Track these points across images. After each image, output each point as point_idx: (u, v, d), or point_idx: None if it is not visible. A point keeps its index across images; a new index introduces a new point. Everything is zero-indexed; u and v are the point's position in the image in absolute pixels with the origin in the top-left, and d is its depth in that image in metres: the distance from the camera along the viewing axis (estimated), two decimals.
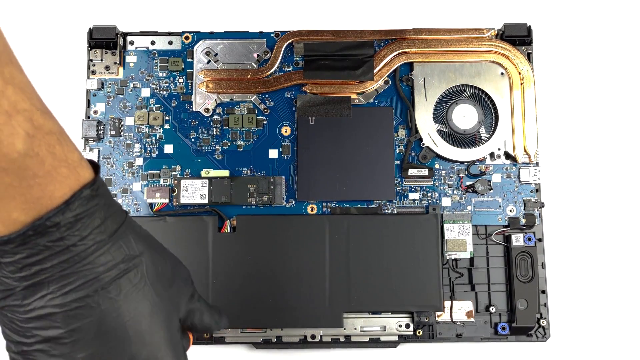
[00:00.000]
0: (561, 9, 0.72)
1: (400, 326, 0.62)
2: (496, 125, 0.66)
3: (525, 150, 0.65)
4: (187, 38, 0.67)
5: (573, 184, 0.68)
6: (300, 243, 0.62)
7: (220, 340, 0.62)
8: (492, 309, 0.63)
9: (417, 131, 0.65)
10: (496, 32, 0.67)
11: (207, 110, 0.66)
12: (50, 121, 0.33)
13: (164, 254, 0.40)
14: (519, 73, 0.66)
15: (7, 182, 0.31)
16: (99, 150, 0.66)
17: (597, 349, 0.64)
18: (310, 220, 0.63)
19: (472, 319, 0.63)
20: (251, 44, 0.67)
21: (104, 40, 0.66)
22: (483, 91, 0.66)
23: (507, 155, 0.65)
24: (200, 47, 0.67)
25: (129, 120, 0.66)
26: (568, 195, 0.67)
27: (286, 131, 0.66)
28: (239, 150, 0.66)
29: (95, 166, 0.36)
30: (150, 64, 0.67)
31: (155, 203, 0.64)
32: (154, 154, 0.66)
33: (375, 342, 0.62)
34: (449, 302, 0.63)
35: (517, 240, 0.63)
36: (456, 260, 0.64)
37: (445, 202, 0.65)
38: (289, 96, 0.67)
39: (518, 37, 0.66)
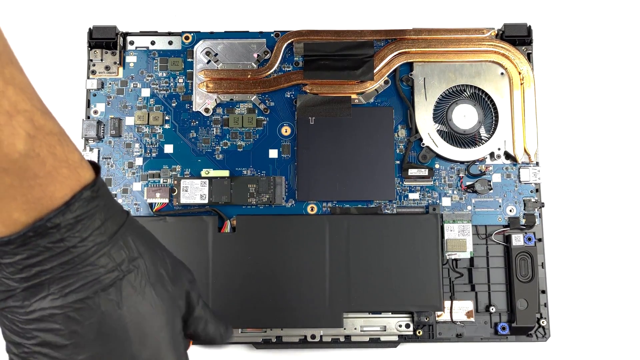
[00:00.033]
0: (561, 9, 0.72)
1: (400, 326, 0.62)
2: (496, 125, 0.66)
3: (525, 150, 0.65)
4: (187, 38, 0.67)
5: (573, 184, 0.68)
6: (300, 243, 0.62)
7: None
8: (492, 309, 0.63)
9: (417, 131, 0.65)
10: (496, 32, 0.67)
11: (207, 110, 0.66)
12: (50, 122, 0.33)
13: (165, 255, 0.40)
14: (519, 73, 0.66)
15: (7, 183, 0.31)
16: (99, 150, 0.66)
17: (597, 349, 0.64)
18: (310, 220, 0.63)
19: (472, 319, 0.63)
20: (251, 44, 0.67)
21: (104, 40, 0.66)
22: (483, 91, 0.66)
23: (507, 155, 0.65)
24: (200, 47, 0.67)
25: (129, 120, 0.66)
26: (568, 195, 0.67)
27: (286, 131, 0.66)
28: (239, 150, 0.66)
29: (95, 167, 0.36)
30: (150, 64, 0.67)
31: (155, 203, 0.64)
32: (154, 154, 0.66)
33: (375, 342, 0.62)
34: (449, 302, 0.63)
35: (517, 240, 0.63)
36: (456, 260, 0.64)
37: (445, 202, 0.65)
38: (289, 96, 0.67)
39: (518, 37, 0.66)
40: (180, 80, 0.67)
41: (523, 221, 0.64)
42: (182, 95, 0.67)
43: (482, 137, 0.66)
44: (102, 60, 0.67)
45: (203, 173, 0.65)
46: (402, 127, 0.66)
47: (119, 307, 0.35)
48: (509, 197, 0.65)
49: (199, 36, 0.67)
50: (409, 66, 0.67)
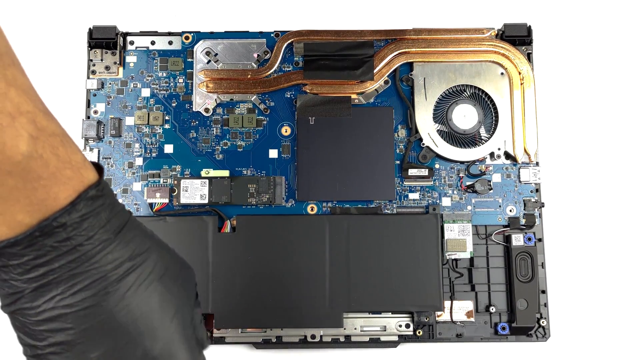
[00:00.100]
0: (561, 9, 0.72)
1: (400, 326, 0.62)
2: (496, 125, 0.66)
3: (525, 150, 0.65)
4: (187, 38, 0.67)
5: (573, 184, 0.68)
6: (300, 243, 0.62)
7: (220, 340, 0.62)
8: (492, 309, 0.63)
9: (417, 131, 0.65)
10: (496, 32, 0.67)
11: (207, 110, 0.66)
12: (53, 123, 0.33)
13: (169, 251, 0.40)
14: (519, 73, 0.66)
15: (11, 185, 0.31)
16: (99, 150, 0.66)
17: (597, 349, 0.65)
18: (310, 220, 0.63)
19: (472, 319, 0.63)
20: (251, 44, 0.67)
21: (104, 40, 0.66)
22: (483, 91, 0.66)
23: (507, 155, 0.66)
24: (200, 47, 0.67)
25: (129, 120, 0.66)
26: (568, 195, 0.67)
27: (286, 131, 0.66)
28: (239, 150, 0.66)
29: (98, 168, 0.37)
30: (150, 64, 0.67)
31: (155, 203, 0.64)
32: (154, 154, 0.66)
33: (375, 342, 0.62)
34: (449, 302, 0.63)
35: (517, 240, 0.63)
36: (456, 260, 0.64)
37: (445, 202, 0.65)
38: (289, 96, 0.67)
39: (518, 37, 0.67)
40: (180, 80, 0.67)
41: (523, 221, 0.64)
42: (182, 95, 0.67)
43: (482, 137, 0.66)
44: (102, 60, 0.67)
45: (203, 173, 0.65)
46: (402, 127, 0.66)
47: (128, 302, 0.35)
48: (509, 197, 0.65)
49: (199, 36, 0.67)
50: (409, 66, 0.67)
